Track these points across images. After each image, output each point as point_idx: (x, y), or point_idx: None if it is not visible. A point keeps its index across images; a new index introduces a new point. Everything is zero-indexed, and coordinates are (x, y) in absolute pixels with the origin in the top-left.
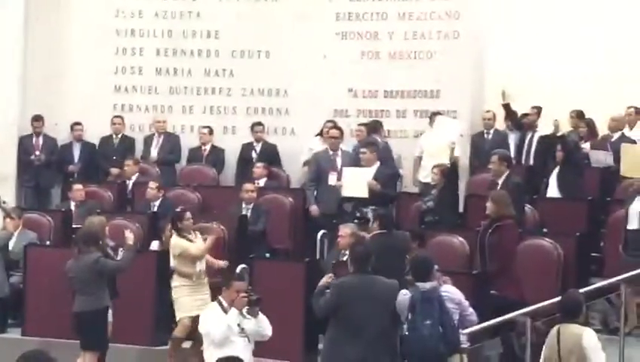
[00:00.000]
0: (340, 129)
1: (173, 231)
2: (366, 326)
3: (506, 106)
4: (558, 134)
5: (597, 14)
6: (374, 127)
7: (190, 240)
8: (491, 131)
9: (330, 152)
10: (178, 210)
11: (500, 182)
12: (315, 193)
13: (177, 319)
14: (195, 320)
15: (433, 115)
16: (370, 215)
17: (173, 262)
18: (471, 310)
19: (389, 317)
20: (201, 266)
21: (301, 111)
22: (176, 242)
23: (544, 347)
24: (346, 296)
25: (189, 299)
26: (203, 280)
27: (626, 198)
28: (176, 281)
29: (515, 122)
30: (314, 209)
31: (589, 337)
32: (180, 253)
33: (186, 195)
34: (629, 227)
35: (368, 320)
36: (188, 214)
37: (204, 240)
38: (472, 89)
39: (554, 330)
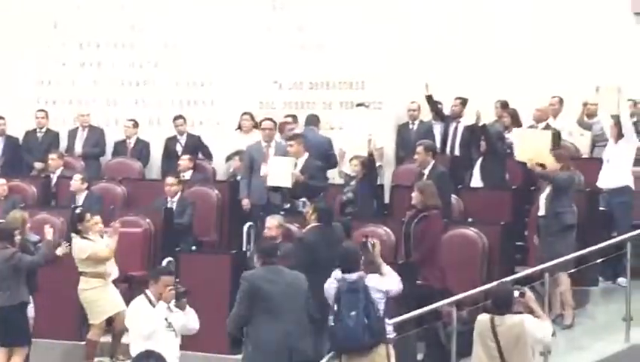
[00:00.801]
0: (273, 121)
1: (73, 233)
2: (284, 308)
3: (429, 98)
4: (480, 124)
5: (521, 5)
6: (313, 120)
7: (92, 241)
8: (416, 122)
9: (264, 144)
10: (78, 211)
11: (426, 172)
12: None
13: (93, 322)
14: (111, 319)
15: (357, 106)
16: (300, 207)
17: (80, 266)
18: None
19: (303, 303)
20: (109, 264)
21: (226, 102)
22: (81, 245)
23: (476, 339)
24: (258, 284)
25: (104, 301)
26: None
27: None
28: (87, 284)
29: (438, 113)
30: (245, 202)
31: (529, 322)
32: (89, 255)
33: (111, 189)
34: (539, 214)
35: (285, 302)
36: (88, 215)
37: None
38: (397, 80)
39: (485, 322)
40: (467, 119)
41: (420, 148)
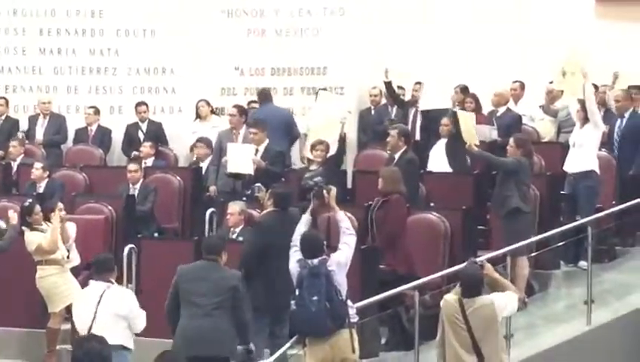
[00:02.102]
0: (238, 107)
1: (23, 226)
2: (201, 301)
3: (388, 84)
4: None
5: None
6: (266, 94)
7: (43, 231)
8: (378, 107)
9: (233, 131)
10: (26, 204)
11: (397, 157)
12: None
13: (52, 311)
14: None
15: (320, 92)
16: (256, 192)
17: (35, 256)
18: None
19: (227, 300)
20: (64, 251)
21: (188, 89)
22: (28, 238)
23: (444, 322)
24: (181, 279)
25: (63, 289)
26: (69, 263)
27: None
28: (43, 271)
29: (395, 100)
30: (212, 189)
31: (498, 301)
32: (35, 248)
33: (73, 176)
34: None
35: (203, 297)
36: (37, 208)
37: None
38: (358, 65)
39: (452, 305)
40: (425, 103)
41: (393, 132)
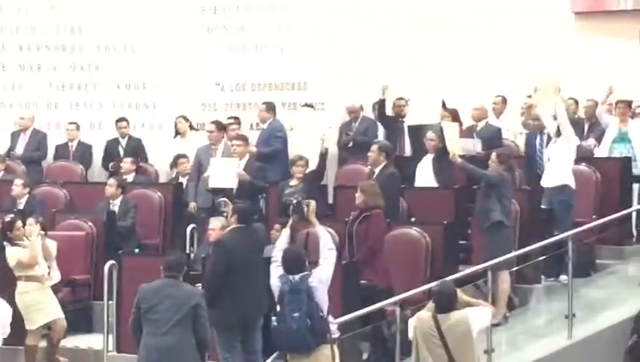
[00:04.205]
0: (217, 123)
1: (4, 242)
2: (162, 318)
3: (382, 102)
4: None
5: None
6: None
7: (24, 247)
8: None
9: (212, 147)
10: (7, 219)
11: (377, 171)
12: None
13: (29, 328)
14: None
15: (304, 107)
16: (222, 207)
17: (15, 271)
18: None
19: (192, 312)
20: (44, 268)
21: (168, 105)
22: (9, 253)
23: (418, 338)
24: (143, 296)
25: (42, 306)
26: (49, 280)
27: None
28: (23, 288)
29: (382, 116)
30: (192, 205)
31: (472, 316)
32: (16, 263)
33: (53, 192)
34: None
35: (165, 314)
36: (18, 223)
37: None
38: (339, 81)
39: (427, 321)
40: (410, 119)
41: (374, 147)
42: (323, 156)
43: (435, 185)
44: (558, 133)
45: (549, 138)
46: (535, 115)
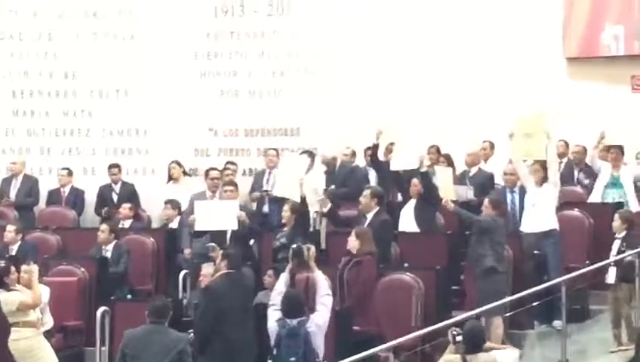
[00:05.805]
0: (218, 170)
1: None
2: None
3: (375, 147)
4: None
5: (455, 50)
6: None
7: (18, 291)
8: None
9: (209, 194)
10: (3, 264)
11: (369, 217)
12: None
13: None
14: None
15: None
16: (210, 252)
17: (11, 317)
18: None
19: (177, 358)
20: (38, 313)
21: (161, 150)
22: (7, 298)
23: None
24: (126, 344)
25: (38, 352)
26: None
27: None
28: (19, 334)
29: (373, 160)
30: (187, 251)
31: (501, 357)
32: (17, 306)
33: (45, 238)
34: None
35: (150, 360)
36: (13, 268)
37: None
38: (331, 126)
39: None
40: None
41: (366, 192)
42: (303, 201)
43: (417, 230)
44: (545, 179)
45: (523, 190)
46: (510, 169)
